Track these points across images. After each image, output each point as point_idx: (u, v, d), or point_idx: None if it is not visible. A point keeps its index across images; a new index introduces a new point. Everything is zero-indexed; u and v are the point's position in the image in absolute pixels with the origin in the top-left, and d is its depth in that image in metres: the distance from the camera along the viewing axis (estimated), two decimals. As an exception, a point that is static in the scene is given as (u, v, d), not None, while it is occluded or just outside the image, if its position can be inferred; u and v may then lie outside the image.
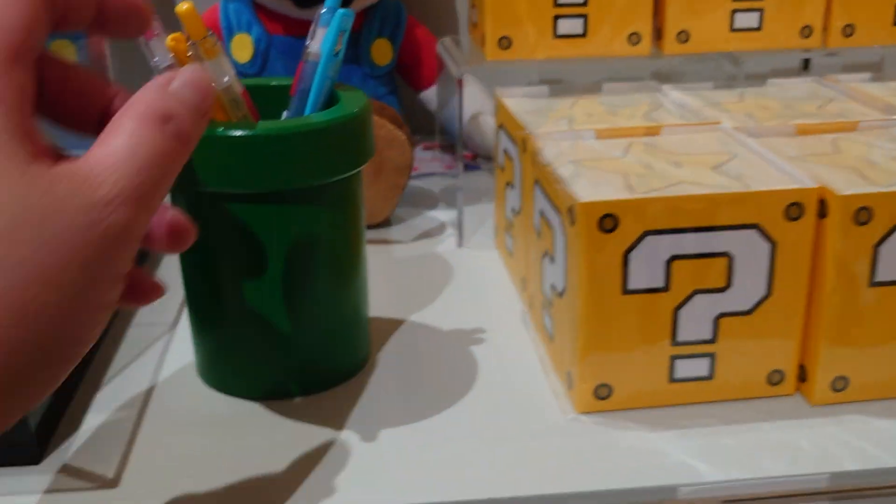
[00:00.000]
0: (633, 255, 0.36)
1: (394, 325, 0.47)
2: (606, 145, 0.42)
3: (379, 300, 0.47)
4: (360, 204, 0.40)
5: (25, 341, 0.21)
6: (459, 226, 0.56)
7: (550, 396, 0.40)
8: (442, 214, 0.62)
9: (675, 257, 0.36)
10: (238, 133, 0.34)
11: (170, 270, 0.53)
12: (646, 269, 0.36)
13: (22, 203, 0.21)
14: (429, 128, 0.73)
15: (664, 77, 0.61)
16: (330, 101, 0.39)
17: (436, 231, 0.59)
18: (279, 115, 0.40)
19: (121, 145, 0.23)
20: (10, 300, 0.21)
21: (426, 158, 0.71)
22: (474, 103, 0.67)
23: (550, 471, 0.35)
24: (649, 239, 0.36)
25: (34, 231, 0.21)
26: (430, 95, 0.70)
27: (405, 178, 0.58)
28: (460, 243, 0.57)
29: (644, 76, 0.66)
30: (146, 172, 0.23)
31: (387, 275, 0.52)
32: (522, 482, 0.34)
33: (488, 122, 0.69)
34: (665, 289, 0.37)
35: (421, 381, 0.41)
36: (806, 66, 0.63)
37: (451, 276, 0.52)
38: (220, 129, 0.34)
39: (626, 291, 0.37)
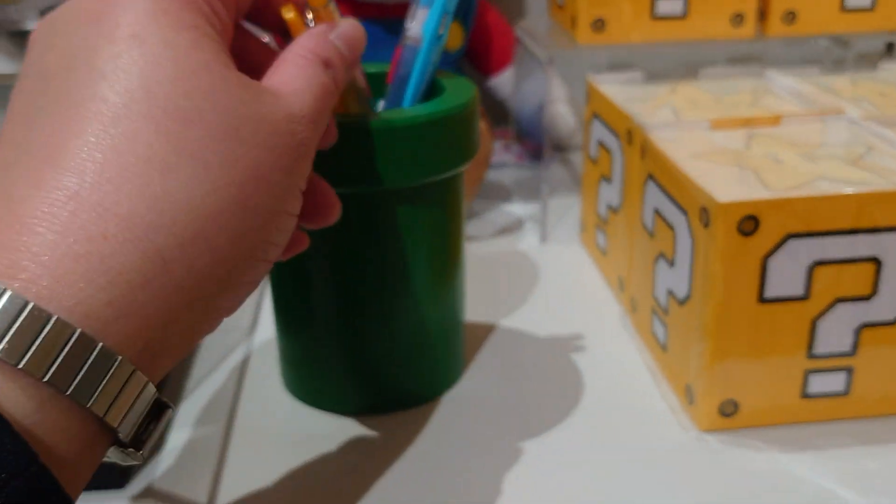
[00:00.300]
0: (773, 260, 0.32)
1: (485, 330, 0.43)
2: (724, 136, 0.39)
3: (467, 300, 0.44)
4: (462, 203, 0.37)
5: (244, 235, 0.23)
6: (543, 221, 0.53)
7: (666, 412, 0.37)
8: (518, 208, 0.58)
9: (817, 263, 0.33)
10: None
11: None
12: (785, 275, 0.33)
13: (243, 105, 0.23)
14: (497, 116, 0.69)
15: (749, 60, 0.57)
16: (430, 88, 0.36)
17: (514, 226, 0.56)
18: (374, 106, 0.37)
19: (298, 76, 0.25)
20: (232, 195, 0.22)
21: (496, 149, 0.68)
22: (542, 91, 0.63)
23: (674, 498, 0.32)
24: (792, 243, 0.32)
25: (252, 131, 0.23)
26: (499, 82, 0.67)
27: (485, 170, 0.54)
28: (543, 239, 0.53)
29: (719, 60, 0.62)
30: (320, 102, 0.25)
31: (470, 273, 0.49)
32: (652, 511, 0.31)
33: (560, 111, 0.66)
34: (805, 297, 0.33)
35: (522, 396, 0.38)
36: (889, 49, 0.59)
37: (537, 275, 0.49)
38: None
39: (761, 300, 0.33)
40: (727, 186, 0.33)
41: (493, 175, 0.64)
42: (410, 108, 0.34)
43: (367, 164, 0.32)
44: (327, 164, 0.32)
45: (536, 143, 0.68)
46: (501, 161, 0.66)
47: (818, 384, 0.35)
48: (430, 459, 0.34)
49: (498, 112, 0.68)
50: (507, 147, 0.68)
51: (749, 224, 0.32)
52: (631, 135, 0.41)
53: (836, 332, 0.34)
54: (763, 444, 0.35)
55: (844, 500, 0.32)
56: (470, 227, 0.55)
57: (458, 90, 0.35)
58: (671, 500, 0.32)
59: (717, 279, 0.33)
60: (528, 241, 0.54)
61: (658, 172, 0.38)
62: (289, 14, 0.29)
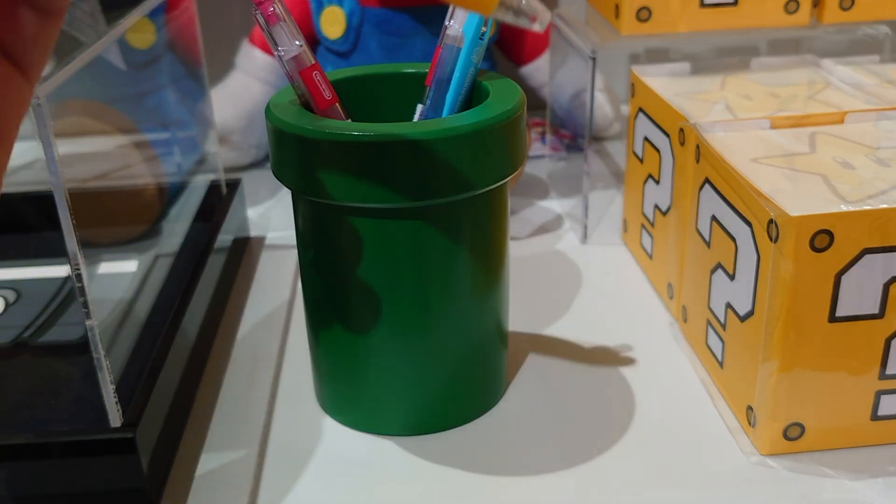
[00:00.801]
0: (847, 276, 0.30)
1: (528, 342, 0.41)
2: (786, 137, 0.36)
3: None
4: (507, 215, 0.34)
5: None
6: (584, 220, 0.51)
7: (725, 433, 0.35)
8: (556, 205, 0.56)
9: (894, 279, 0.30)
10: (370, 135, 0.29)
11: (265, 286, 0.48)
12: (859, 292, 0.30)
13: None
14: (530, 104, 0.67)
15: (794, 48, 0.54)
16: (472, 90, 0.33)
17: (553, 225, 0.53)
18: (413, 109, 0.34)
19: None
20: None
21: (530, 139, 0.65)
22: (577, 79, 0.61)
23: (745, 531, 0.30)
24: (867, 258, 0.30)
25: None
26: (531, 71, 0.64)
27: (522, 168, 0.52)
28: (583, 239, 0.51)
29: (760, 46, 0.59)
30: None
31: (510, 278, 0.47)
32: (717, 548, 0.29)
33: (597, 100, 0.63)
34: (879, 315, 0.31)
35: (568, 416, 0.36)
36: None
37: (579, 278, 0.47)
38: (349, 131, 0.29)
39: (833, 319, 0.31)
40: (797, 197, 0.30)
41: (528, 167, 0.61)
42: (452, 116, 0.32)
43: (407, 178, 0.30)
44: (365, 178, 0.30)
45: (572, 132, 0.65)
46: (537, 152, 0.63)
47: (890, 405, 0.33)
48: (469, 484, 0.32)
49: (531, 100, 0.65)
50: (541, 137, 0.65)
51: (823, 239, 0.29)
52: (683, 135, 0.39)
53: (912, 351, 0.32)
54: (831, 471, 0.32)
55: (922, 534, 0.29)
56: (506, 226, 0.53)
57: (503, 94, 0.32)
58: (736, 535, 0.30)
59: (786, 297, 0.30)
60: (568, 240, 0.51)
61: (716, 178, 0.35)
62: None
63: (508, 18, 0.23)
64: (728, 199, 0.34)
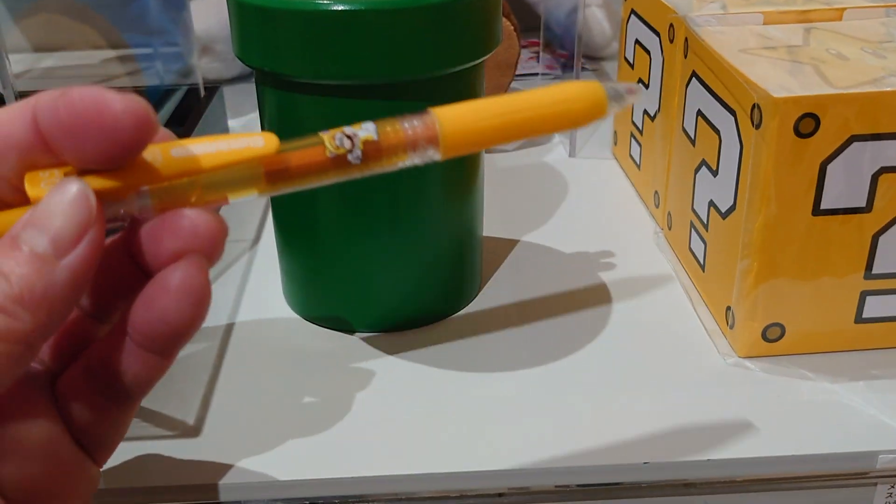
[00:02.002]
0: (833, 165, 0.28)
1: (505, 245, 0.40)
2: (781, 31, 0.34)
3: (486, 215, 0.41)
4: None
5: None
6: (572, 133, 0.49)
7: (703, 336, 0.34)
8: (547, 120, 0.54)
9: (883, 170, 0.29)
10: (338, 7, 0.27)
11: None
12: (846, 183, 0.29)
13: None
14: (525, 23, 0.65)
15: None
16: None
17: (542, 139, 0.52)
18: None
19: None
20: None
21: (523, 58, 0.63)
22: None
23: (712, 429, 0.29)
24: (856, 146, 0.28)
25: None
26: (528, -15, 0.62)
27: (509, 78, 0.50)
28: (572, 152, 0.49)
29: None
30: None
31: (492, 187, 0.46)
32: (676, 444, 0.28)
33: (595, 16, 0.61)
34: (866, 209, 0.29)
35: (542, 316, 0.35)
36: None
37: (565, 190, 0.46)
38: (315, 0, 0.28)
39: (817, 211, 0.29)
40: (783, 81, 0.29)
41: (520, 86, 0.59)
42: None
43: (374, 53, 0.28)
44: (327, 53, 0.28)
45: (568, 51, 0.63)
46: (530, 70, 0.61)
47: (876, 307, 0.31)
48: (432, 381, 0.31)
49: (527, 17, 0.63)
50: (536, 56, 0.63)
51: (808, 123, 0.28)
52: (673, 30, 0.37)
53: (899, 249, 0.30)
54: (811, 373, 0.31)
55: (901, 436, 0.28)
56: (494, 139, 0.52)
57: (478, -31, 0.30)
58: (705, 433, 0.29)
59: (768, 187, 0.29)
60: (556, 153, 0.50)
61: (703, 69, 0.33)
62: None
63: (617, 107, 0.24)
64: (713, 89, 0.32)
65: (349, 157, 0.22)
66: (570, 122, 0.23)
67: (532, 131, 0.24)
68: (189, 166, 0.21)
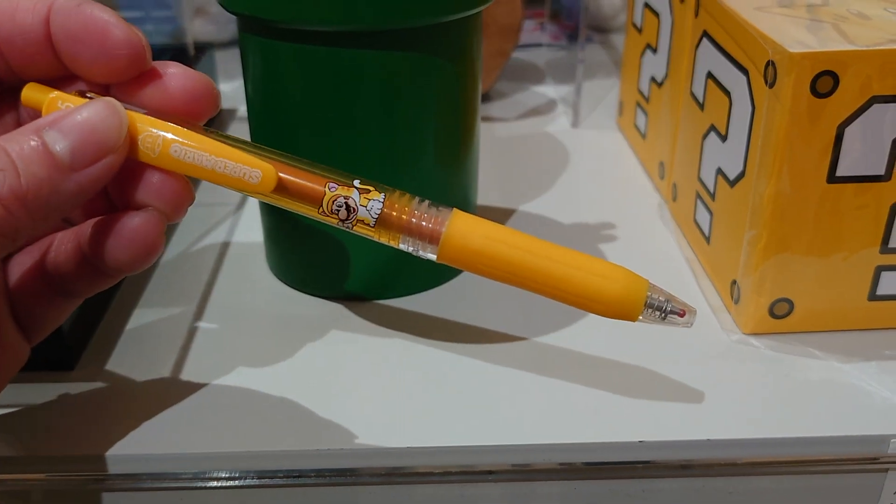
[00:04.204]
0: (852, 129, 0.27)
1: (501, 215, 0.38)
2: (797, -10, 0.32)
3: (482, 185, 0.39)
4: (478, 58, 0.31)
5: None
6: (576, 102, 0.47)
7: (707, 311, 0.32)
8: (551, 90, 0.52)
9: (905, 135, 0.27)
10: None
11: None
12: (865, 149, 0.27)
13: None
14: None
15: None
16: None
17: (545, 108, 0.50)
18: None
19: None
20: None
21: (529, 28, 0.61)
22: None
23: (716, 410, 0.27)
24: (877, 108, 0.26)
25: None
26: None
27: (512, 44, 0.48)
28: (575, 122, 0.47)
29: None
30: None
31: (490, 155, 0.44)
32: (677, 422, 0.26)
33: (604, -15, 0.59)
34: (885, 177, 0.27)
35: (541, 285, 0.33)
36: None
37: (566, 160, 0.44)
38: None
39: (832, 179, 0.27)
40: (800, 37, 0.27)
41: (524, 55, 0.57)
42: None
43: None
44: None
45: (575, 22, 0.61)
46: (535, 40, 0.59)
47: (891, 284, 0.29)
48: (419, 350, 0.29)
49: (533, -13, 0.61)
50: (541, 27, 0.61)
51: (826, 82, 0.26)
52: (683, -11, 0.35)
53: (919, 222, 0.28)
54: (820, 352, 0.29)
55: (915, 419, 0.27)
56: (494, 108, 0.50)
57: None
58: (704, 412, 0.27)
59: (780, 151, 0.27)
60: (559, 123, 0.48)
61: (714, 28, 0.31)
62: (29, 92, 0.22)
63: (656, 320, 0.22)
64: (725, 48, 0.30)
65: (339, 223, 0.22)
66: (587, 299, 0.22)
67: (541, 284, 0.22)
68: (180, 169, 0.22)
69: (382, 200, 0.22)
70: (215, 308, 0.32)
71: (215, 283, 0.33)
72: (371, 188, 0.22)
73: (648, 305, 0.23)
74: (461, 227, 0.22)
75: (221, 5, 0.29)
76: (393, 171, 0.30)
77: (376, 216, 0.22)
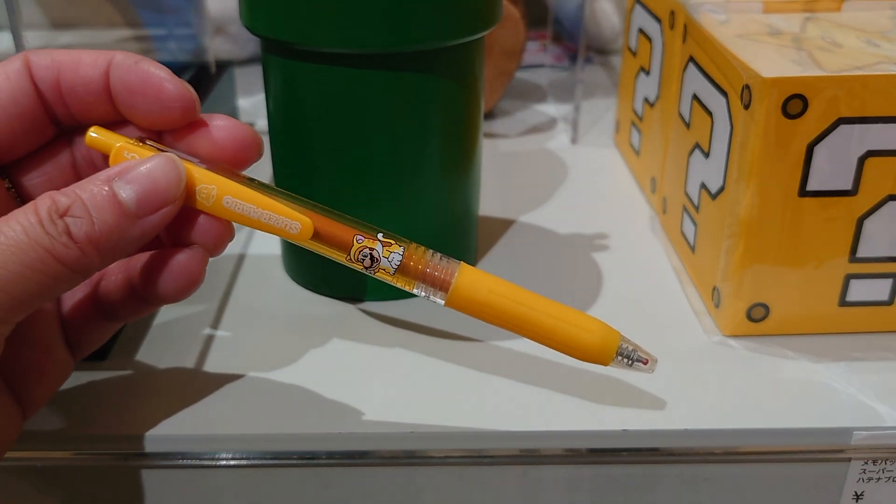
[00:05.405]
0: (820, 147, 0.29)
1: (501, 225, 0.41)
2: (778, 19, 0.35)
3: (485, 196, 0.42)
4: (481, 78, 0.34)
5: None
6: (575, 120, 0.50)
7: (690, 315, 0.34)
8: (552, 109, 0.55)
9: (870, 153, 0.29)
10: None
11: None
12: (833, 166, 0.29)
13: None
14: (533, 16, 0.65)
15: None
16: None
17: (546, 126, 0.52)
18: None
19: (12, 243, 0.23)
20: None
21: (532, 49, 0.64)
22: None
23: (695, 403, 0.29)
24: (843, 129, 0.29)
25: None
26: (539, -23, 0.63)
27: (515, 65, 0.51)
28: (574, 139, 0.50)
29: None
30: (31, 286, 0.22)
31: (492, 170, 0.46)
32: (659, 413, 0.29)
33: (604, 10, 0.62)
34: (852, 192, 0.30)
35: (536, 290, 0.36)
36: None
37: (564, 174, 0.46)
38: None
39: (803, 193, 0.30)
40: (774, 64, 0.29)
41: (527, 76, 0.60)
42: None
43: (375, 20, 0.29)
44: (329, 19, 0.29)
45: (577, 44, 0.64)
46: (538, 61, 0.62)
47: (859, 291, 0.32)
48: (427, 348, 0.32)
49: (536, 10, 0.64)
50: (544, 48, 0.64)
51: (796, 104, 0.28)
52: (674, 17, 0.38)
53: (884, 233, 0.31)
54: (793, 353, 0.32)
55: (880, 416, 0.29)
56: (498, 125, 0.52)
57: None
58: (682, 404, 0.29)
59: (755, 167, 0.29)
60: (559, 140, 0.50)
61: (699, 54, 0.34)
62: (93, 135, 0.25)
63: (624, 366, 0.26)
64: (708, 72, 0.33)
65: (363, 269, 0.26)
66: (569, 347, 0.26)
67: (531, 332, 0.26)
68: (231, 217, 0.25)
69: (402, 253, 0.25)
70: (235, 307, 0.34)
71: (235, 284, 0.36)
72: (392, 241, 0.26)
73: (619, 353, 0.26)
74: (467, 280, 0.26)
75: (247, 28, 0.32)
76: (401, 183, 0.32)
77: (396, 266, 0.25)
